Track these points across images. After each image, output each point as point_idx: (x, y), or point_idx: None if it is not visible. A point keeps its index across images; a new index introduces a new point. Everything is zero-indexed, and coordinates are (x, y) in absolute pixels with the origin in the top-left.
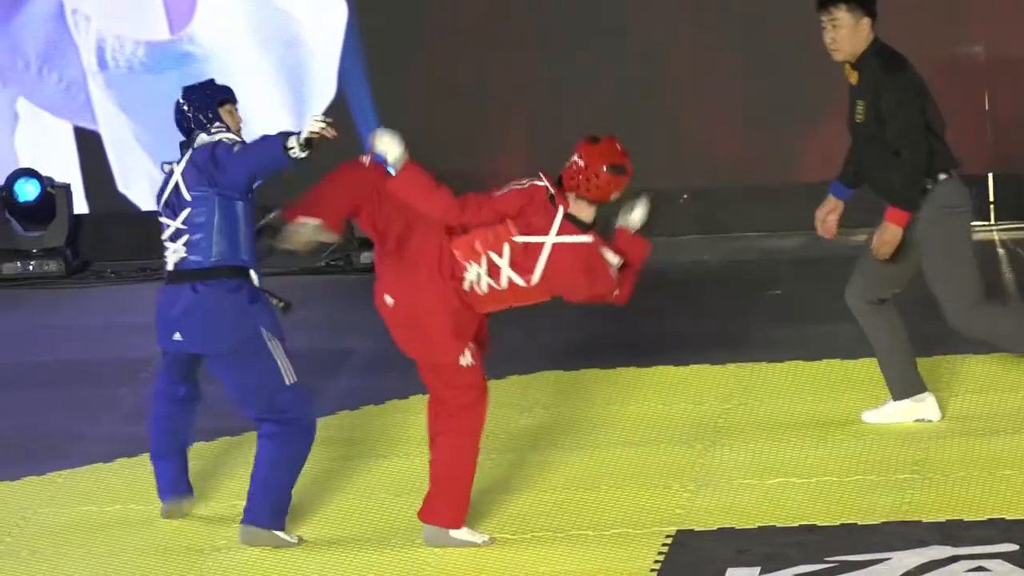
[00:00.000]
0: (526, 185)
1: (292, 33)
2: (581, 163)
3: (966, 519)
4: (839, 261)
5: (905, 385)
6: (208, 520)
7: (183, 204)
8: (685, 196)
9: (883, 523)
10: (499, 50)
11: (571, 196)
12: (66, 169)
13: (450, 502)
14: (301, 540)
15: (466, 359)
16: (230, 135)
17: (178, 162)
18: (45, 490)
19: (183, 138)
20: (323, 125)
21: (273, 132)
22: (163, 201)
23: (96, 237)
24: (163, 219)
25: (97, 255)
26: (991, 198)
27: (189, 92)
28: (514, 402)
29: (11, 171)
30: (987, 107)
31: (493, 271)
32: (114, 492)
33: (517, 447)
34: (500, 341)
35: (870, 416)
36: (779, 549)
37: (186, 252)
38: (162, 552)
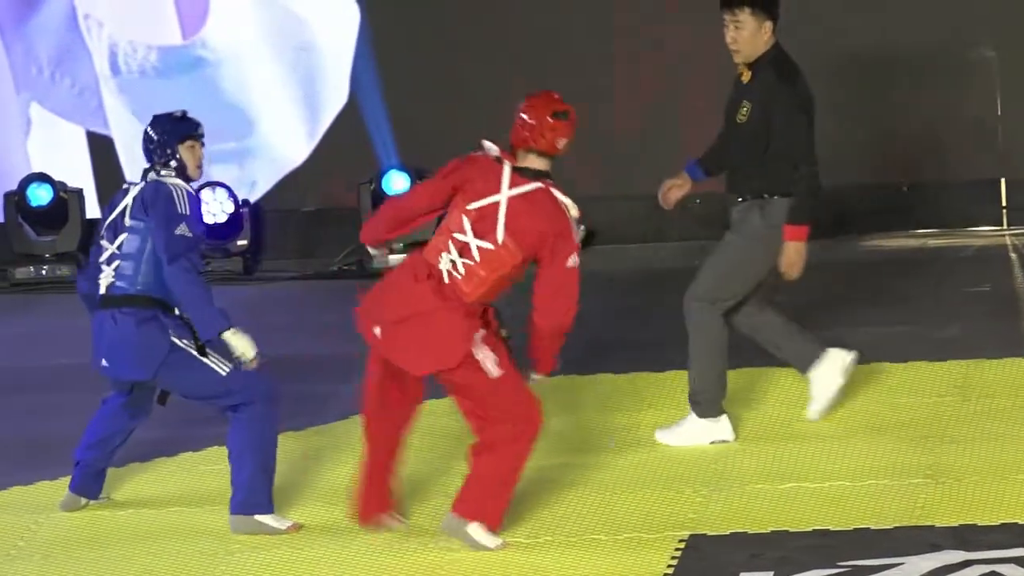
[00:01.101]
0: (463, 157)
1: (304, 37)
2: (526, 117)
3: (979, 523)
4: (853, 266)
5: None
6: (222, 524)
7: (122, 229)
8: (698, 200)
9: (896, 528)
10: (512, 53)
11: (520, 153)
12: (79, 174)
13: (481, 498)
14: (297, 526)
15: (491, 365)
16: (177, 189)
17: (134, 186)
18: (58, 494)
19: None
20: (250, 358)
21: (213, 313)
22: (107, 222)
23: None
24: (103, 241)
25: None
26: (1003, 203)
27: (156, 124)
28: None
29: (24, 176)
30: (999, 112)
31: (463, 250)
32: (126, 496)
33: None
34: (518, 344)
35: (664, 436)
36: (792, 554)
37: (114, 278)
38: (174, 556)
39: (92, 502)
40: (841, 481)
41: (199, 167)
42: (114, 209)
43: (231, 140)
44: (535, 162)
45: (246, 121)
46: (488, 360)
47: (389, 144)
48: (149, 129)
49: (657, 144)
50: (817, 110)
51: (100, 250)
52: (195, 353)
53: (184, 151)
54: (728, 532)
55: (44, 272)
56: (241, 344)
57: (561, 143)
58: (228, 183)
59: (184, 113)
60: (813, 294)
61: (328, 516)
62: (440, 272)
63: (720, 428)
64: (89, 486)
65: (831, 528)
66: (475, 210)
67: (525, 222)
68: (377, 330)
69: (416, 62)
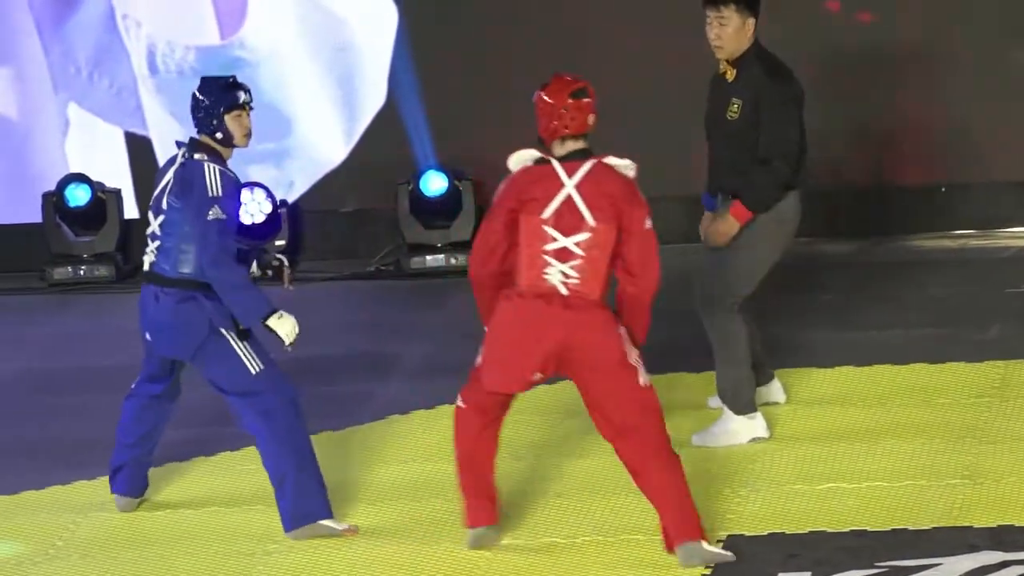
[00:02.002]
0: (506, 181)
1: (342, 37)
2: (548, 108)
3: (1017, 524)
4: (890, 267)
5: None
6: (261, 524)
7: (161, 209)
8: None
9: (933, 528)
10: (551, 53)
11: (556, 145)
12: (117, 174)
13: (686, 515)
14: (354, 529)
15: (643, 371)
16: (210, 171)
17: (176, 161)
18: (96, 494)
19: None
20: (289, 342)
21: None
22: (153, 197)
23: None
24: (150, 214)
25: None
26: None
27: (203, 89)
28: (562, 406)
29: (62, 176)
30: None
31: (563, 255)
32: (164, 496)
33: (565, 451)
34: None
35: (701, 439)
36: (829, 554)
37: (156, 256)
38: (212, 556)
39: (142, 498)
40: (879, 482)
41: (247, 135)
42: (160, 181)
43: (269, 140)
44: (573, 146)
45: (284, 121)
46: (640, 366)
47: (427, 145)
48: (197, 93)
49: (692, 146)
50: (854, 110)
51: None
52: (234, 341)
53: (230, 121)
54: (766, 532)
55: (82, 272)
56: (287, 326)
57: (591, 119)
58: (266, 183)
59: (232, 80)
60: (850, 294)
61: (365, 516)
62: (554, 288)
63: (756, 425)
64: (138, 484)
65: (868, 529)
66: (551, 216)
67: (599, 198)
68: (537, 376)
69: (454, 62)
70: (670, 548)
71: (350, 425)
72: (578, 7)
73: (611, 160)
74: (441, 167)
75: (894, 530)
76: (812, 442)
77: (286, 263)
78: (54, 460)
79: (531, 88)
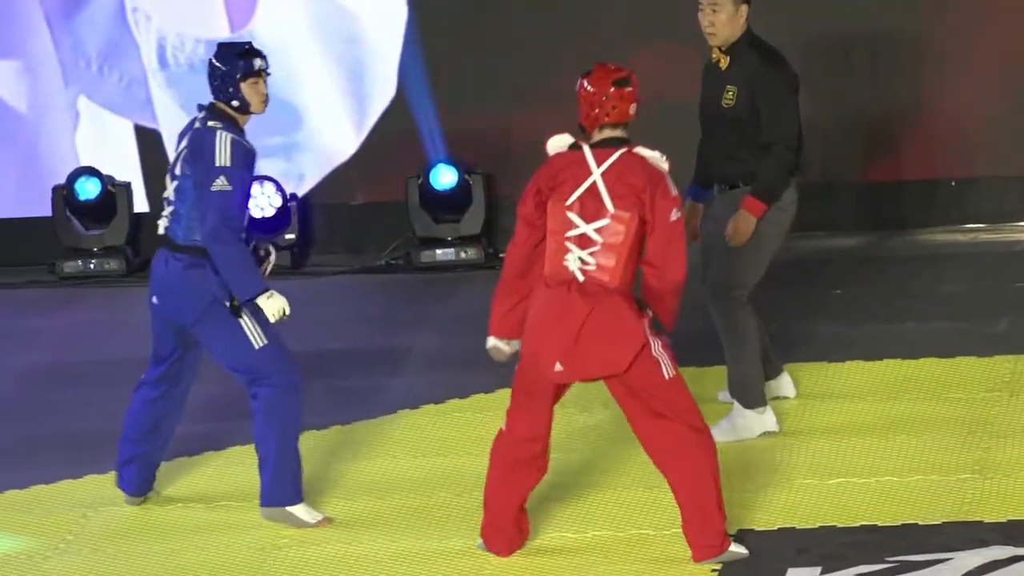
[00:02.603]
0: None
1: (352, 30)
2: (590, 95)
3: None
4: (900, 261)
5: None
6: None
7: (174, 175)
8: None
9: (944, 523)
10: (559, 47)
11: (595, 132)
12: (126, 167)
13: (713, 527)
14: (328, 520)
15: (667, 363)
16: (221, 139)
17: (191, 129)
18: (106, 488)
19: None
20: (279, 317)
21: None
22: (172, 160)
23: (156, 235)
24: (167, 178)
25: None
26: None
27: (219, 56)
28: (574, 401)
29: (72, 170)
30: None
31: (583, 242)
32: (175, 490)
33: (577, 446)
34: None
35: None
36: (840, 549)
37: (169, 222)
38: (224, 550)
39: (149, 495)
40: (889, 476)
41: (264, 101)
42: (178, 146)
43: (279, 134)
44: (610, 133)
45: (294, 115)
46: (664, 358)
47: (437, 138)
48: (213, 59)
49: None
50: (863, 103)
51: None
52: (241, 315)
53: (247, 88)
54: (776, 527)
55: (92, 266)
56: (275, 306)
57: (632, 109)
58: (276, 177)
59: (248, 46)
60: (861, 288)
61: (376, 511)
62: (572, 274)
63: (766, 420)
64: (142, 484)
65: (879, 524)
66: (575, 201)
67: (622, 187)
68: (558, 366)
69: (464, 55)
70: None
71: (360, 419)
72: (590, 2)
73: (642, 151)
74: (451, 161)
75: (904, 525)
76: (822, 437)
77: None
78: (64, 453)
79: (541, 81)
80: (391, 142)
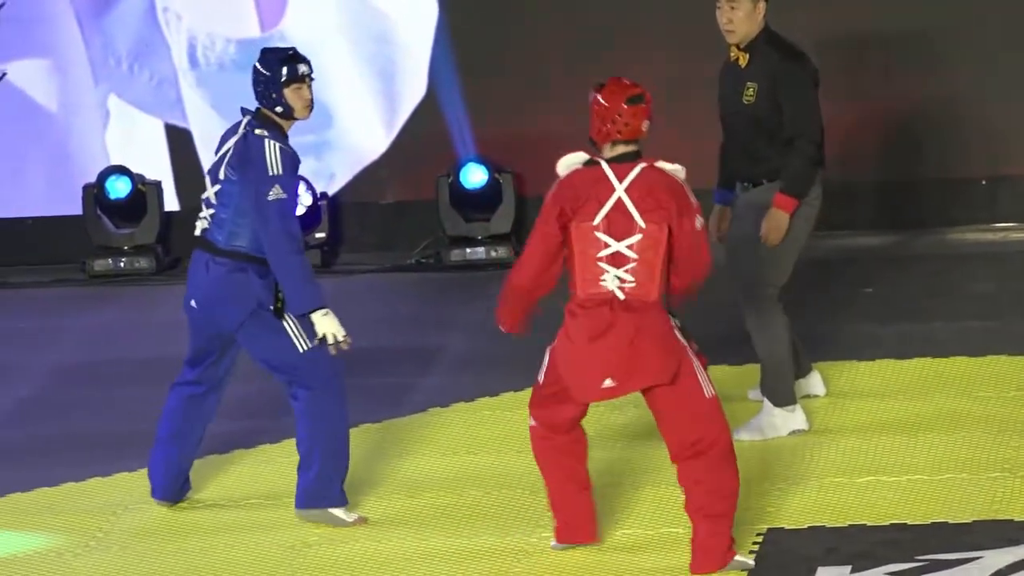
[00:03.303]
0: (554, 188)
1: (383, 30)
2: (602, 109)
3: None
4: (930, 260)
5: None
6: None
7: (217, 179)
8: None
9: (974, 522)
10: (591, 45)
11: (607, 148)
12: (157, 166)
13: (724, 539)
14: (363, 519)
15: (705, 380)
16: (271, 148)
17: (238, 131)
18: (137, 486)
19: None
20: (331, 343)
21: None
22: (213, 164)
23: (187, 234)
24: (207, 179)
25: (188, 252)
26: None
27: (263, 61)
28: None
29: (102, 168)
30: None
31: (617, 260)
32: (205, 488)
33: (609, 445)
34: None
35: (743, 434)
36: (869, 548)
37: (209, 224)
38: (253, 548)
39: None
40: (919, 475)
41: (308, 107)
42: (221, 148)
43: (309, 133)
44: (624, 149)
45: (324, 114)
46: (703, 375)
47: (467, 137)
48: (257, 65)
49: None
50: (894, 102)
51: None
52: (285, 319)
53: (290, 94)
54: (806, 526)
55: (122, 264)
56: (329, 326)
57: (645, 125)
58: (306, 175)
59: (292, 52)
60: (891, 287)
61: (407, 509)
62: (612, 294)
63: (796, 418)
64: (172, 489)
65: (909, 522)
66: (602, 221)
67: (648, 201)
68: (608, 382)
69: (495, 54)
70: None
71: (391, 417)
72: (619, 2)
73: (663, 164)
74: (481, 159)
75: (934, 523)
76: (852, 435)
77: None
78: (94, 452)
79: (571, 80)
80: (421, 141)
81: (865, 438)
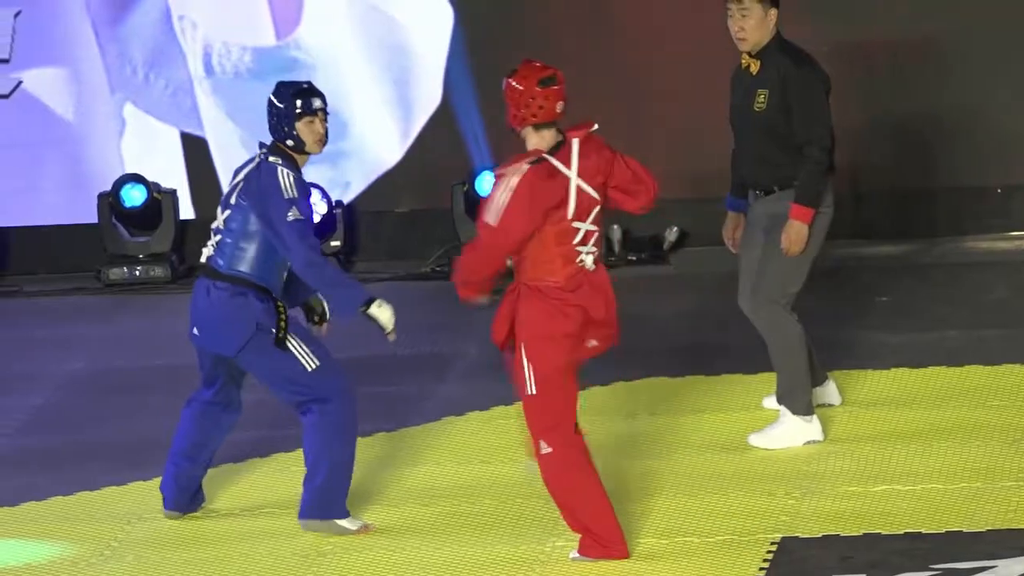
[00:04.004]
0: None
1: (398, 39)
2: (516, 93)
3: None
4: (945, 268)
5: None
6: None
7: (228, 205)
8: None
9: (988, 531)
10: (604, 56)
11: (529, 132)
12: (172, 175)
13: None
14: (368, 527)
15: None
16: (283, 173)
17: (251, 162)
18: (151, 496)
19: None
20: (390, 330)
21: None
22: (227, 191)
23: (202, 242)
24: (219, 208)
25: None
26: None
27: (277, 94)
28: (619, 408)
29: (118, 176)
30: None
31: (587, 237)
32: (219, 498)
33: (621, 453)
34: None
35: (757, 440)
36: (884, 556)
37: (214, 251)
38: (267, 557)
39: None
40: (933, 484)
41: (320, 141)
42: (235, 179)
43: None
44: (553, 137)
45: (339, 122)
46: None
47: (483, 145)
48: (272, 97)
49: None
50: (909, 110)
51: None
52: (291, 340)
53: (302, 127)
54: (820, 535)
55: (138, 273)
56: (384, 316)
57: (560, 107)
58: (322, 184)
59: (307, 86)
60: (905, 295)
61: (421, 517)
62: (587, 267)
63: (812, 428)
64: (183, 501)
65: (923, 531)
66: (573, 214)
67: (592, 171)
68: (592, 343)
69: (510, 63)
70: None
71: (406, 426)
72: (638, 5)
73: (579, 133)
74: (496, 167)
75: (949, 532)
76: (867, 443)
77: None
78: (109, 461)
79: (586, 89)
80: (436, 149)
81: (880, 447)
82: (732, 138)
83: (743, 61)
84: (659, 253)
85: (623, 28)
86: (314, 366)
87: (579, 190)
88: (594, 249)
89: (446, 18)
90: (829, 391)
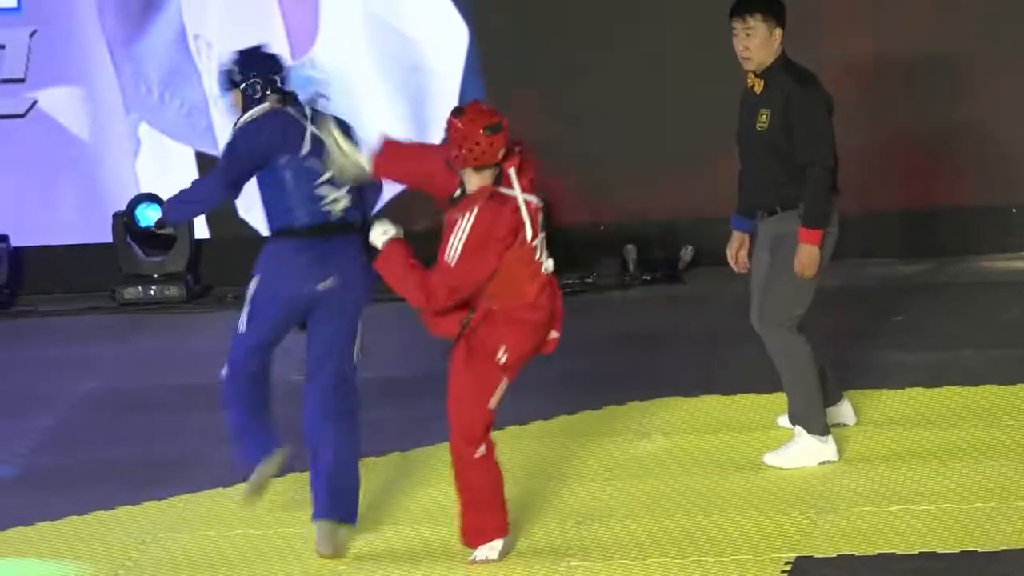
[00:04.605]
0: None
1: (414, 58)
2: (459, 134)
3: None
4: (960, 288)
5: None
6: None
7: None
8: None
9: (1003, 551)
10: (620, 74)
11: (468, 172)
12: None
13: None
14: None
15: None
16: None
17: (307, 113)
18: (166, 515)
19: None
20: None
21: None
22: (309, 147)
23: (217, 262)
24: (312, 160)
25: (218, 280)
26: None
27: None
28: (634, 427)
29: (133, 196)
30: None
31: (542, 246)
32: (234, 517)
33: (636, 473)
34: (622, 366)
35: (773, 459)
36: None
37: (348, 204)
38: None
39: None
40: (948, 503)
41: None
42: (304, 134)
43: None
44: (492, 172)
45: (354, 141)
46: None
47: None
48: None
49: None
50: (924, 128)
51: (309, 175)
52: None
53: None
54: (835, 554)
55: (152, 292)
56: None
57: (501, 153)
58: None
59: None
60: (921, 315)
61: (436, 537)
62: (549, 270)
63: (828, 449)
64: (269, 443)
65: (938, 551)
66: (531, 234)
67: (530, 183)
68: (554, 334)
69: (524, 83)
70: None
71: (420, 445)
72: (651, 25)
73: (512, 162)
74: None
75: (964, 552)
76: (881, 463)
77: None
78: (123, 480)
79: (600, 108)
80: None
81: (895, 466)
82: (739, 158)
83: (749, 81)
84: (674, 273)
85: (639, 47)
86: (359, 357)
87: (527, 205)
88: (546, 251)
89: (461, 36)
90: (844, 411)
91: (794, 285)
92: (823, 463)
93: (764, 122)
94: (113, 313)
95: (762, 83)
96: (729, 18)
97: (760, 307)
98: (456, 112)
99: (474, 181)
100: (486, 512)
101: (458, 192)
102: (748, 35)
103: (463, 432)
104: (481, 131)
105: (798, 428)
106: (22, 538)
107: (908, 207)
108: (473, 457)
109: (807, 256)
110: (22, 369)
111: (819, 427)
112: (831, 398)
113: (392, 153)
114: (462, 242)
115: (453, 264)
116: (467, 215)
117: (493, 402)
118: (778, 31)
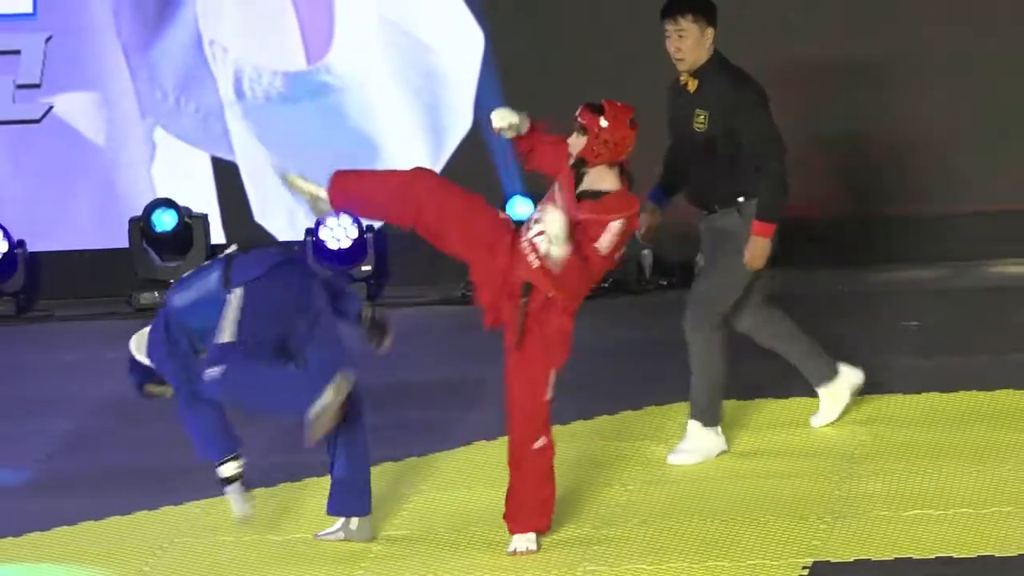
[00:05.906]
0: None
1: (429, 64)
2: (607, 134)
3: None
4: (975, 293)
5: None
6: (348, 549)
7: None
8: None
9: (1020, 555)
10: (636, 77)
11: (603, 168)
12: (203, 199)
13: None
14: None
15: None
16: None
17: None
18: (183, 520)
19: None
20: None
21: None
22: None
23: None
24: None
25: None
26: None
27: None
28: (650, 433)
29: (149, 201)
30: None
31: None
32: (252, 522)
33: (653, 478)
34: (639, 371)
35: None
36: None
37: None
38: None
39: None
40: (965, 508)
41: None
42: None
43: (355, 166)
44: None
45: (370, 147)
46: None
47: (513, 171)
48: None
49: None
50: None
51: None
52: None
53: None
54: (851, 559)
55: None
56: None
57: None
58: None
59: None
60: (936, 320)
61: (453, 541)
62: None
63: (721, 439)
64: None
65: (955, 555)
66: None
67: None
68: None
69: (540, 88)
70: None
71: (438, 450)
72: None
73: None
74: (527, 193)
75: (980, 557)
76: (898, 468)
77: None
78: (140, 485)
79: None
80: (467, 175)
81: (911, 471)
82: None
83: (682, 77)
84: (690, 277)
85: (657, 52)
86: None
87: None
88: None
89: (477, 42)
90: (847, 375)
91: (731, 281)
92: (719, 454)
93: (702, 123)
94: (130, 318)
95: (696, 82)
96: (660, 20)
97: (688, 301)
98: (594, 109)
99: (608, 179)
100: (530, 503)
101: (582, 187)
102: (680, 36)
103: (525, 419)
104: (628, 127)
105: (693, 423)
106: (39, 543)
107: (919, 212)
108: (531, 447)
109: (759, 248)
110: (39, 374)
111: (714, 419)
112: (830, 368)
113: (344, 185)
114: (614, 242)
115: (605, 255)
116: (622, 215)
117: (549, 392)
118: (710, 31)
